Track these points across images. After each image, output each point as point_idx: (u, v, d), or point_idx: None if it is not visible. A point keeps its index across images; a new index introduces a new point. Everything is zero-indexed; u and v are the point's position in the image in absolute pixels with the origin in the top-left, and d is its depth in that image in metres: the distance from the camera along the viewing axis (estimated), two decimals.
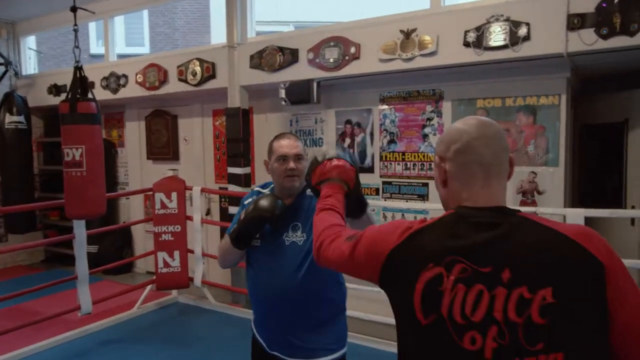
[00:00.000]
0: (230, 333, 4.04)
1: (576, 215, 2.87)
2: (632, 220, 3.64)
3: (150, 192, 4.54)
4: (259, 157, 4.67)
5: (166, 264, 4.45)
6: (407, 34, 3.56)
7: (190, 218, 4.51)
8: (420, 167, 4.02)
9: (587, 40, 2.96)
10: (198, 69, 4.66)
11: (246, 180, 4.51)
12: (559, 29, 3.02)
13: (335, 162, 1.45)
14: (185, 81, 4.75)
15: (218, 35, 7.11)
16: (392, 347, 2.87)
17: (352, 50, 3.81)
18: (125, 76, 5.26)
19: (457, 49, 3.38)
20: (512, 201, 3.64)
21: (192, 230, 4.53)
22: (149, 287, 4.61)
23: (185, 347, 3.81)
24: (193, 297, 4.80)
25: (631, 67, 3.80)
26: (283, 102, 4.21)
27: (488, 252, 0.92)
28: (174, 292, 4.85)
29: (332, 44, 3.91)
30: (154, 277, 4.54)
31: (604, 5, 2.90)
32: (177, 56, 4.90)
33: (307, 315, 1.72)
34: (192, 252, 4.52)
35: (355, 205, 1.51)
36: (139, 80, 5.10)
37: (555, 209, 3.23)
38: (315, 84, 4.06)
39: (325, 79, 4.03)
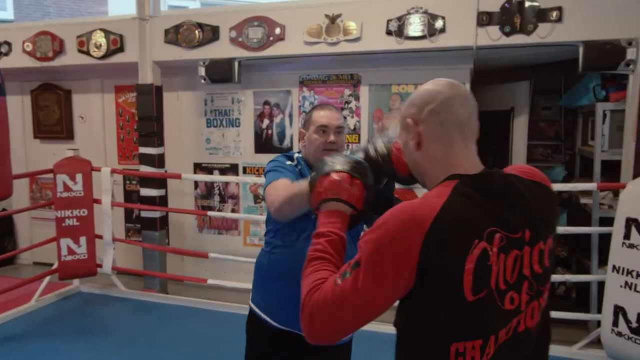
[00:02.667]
0: (146, 320, 3.89)
1: None
2: None
3: (49, 175, 4.14)
4: (170, 138, 4.50)
5: (71, 251, 4.11)
6: (332, 19, 3.72)
7: (97, 201, 4.20)
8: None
9: (493, 36, 3.38)
10: (103, 40, 4.32)
11: (160, 161, 4.33)
12: (470, 24, 3.41)
13: (332, 176, 1.18)
14: (88, 53, 4.38)
15: (118, 6, 6.57)
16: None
17: (277, 31, 3.86)
18: (7, 43, 4.66)
19: (380, 37, 3.62)
20: None
21: (99, 214, 4.23)
22: (48, 278, 4.22)
23: (97, 337, 3.58)
24: (98, 285, 4.49)
25: (516, 63, 4.40)
26: (203, 81, 4.11)
27: (512, 218, 0.94)
28: (76, 282, 4.49)
29: (256, 23, 3.91)
30: (55, 267, 4.17)
31: (507, 6, 3.34)
32: (76, 25, 4.49)
33: None
34: (100, 237, 4.23)
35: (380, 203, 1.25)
36: (28, 49, 4.56)
37: None
38: (236, 63, 4.04)
39: (248, 58, 4.02)
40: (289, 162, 1.74)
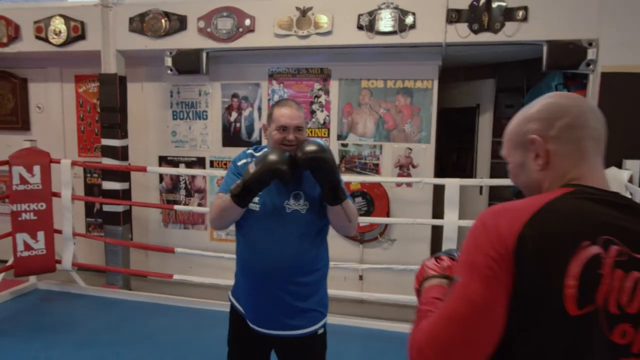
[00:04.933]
0: (108, 317, 3.76)
1: (453, 185, 3.36)
2: (481, 189, 4.36)
3: (3, 167, 3.94)
4: (134, 130, 4.36)
5: (28, 247, 3.93)
6: (304, 12, 3.69)
7: (57, 194, 4.03)
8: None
9: (462, 33, 3.44)
10: (63, 27, 4.14)
11: (123, 153, 4.19)
12: (440, 21, 3.45)
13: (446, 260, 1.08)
14: (46, 40, 4.18)
15: None
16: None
17: (247, 22, 3.80)
18: None
19: (351, 31, 3.62)
20: (390, 174, 4.07)
21: (58, 208, 4.06)
22: (2, 275, 4.02)
23: (56, 335, 3.42)
24: (57, 282, 4.32)
25: (481, 61, 4.50)
26: (169, 71, 4.00)
27: (636, 235, 0.80)
28: (32, 279, 4.31)
29: (225, 14, 3.84)
30: (10, 263, 3.98)
31: (475, 4, 3.40)
32: (33, 10, 4.27)
33: (297, 284, 1.72)
34: (59, 232, 4.06)
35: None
36: None
37: (437, 179, 3.71)
38: (204, 54, 3.95)
39: (216, 49, 3.94)
40: (242, 161, 1.82)
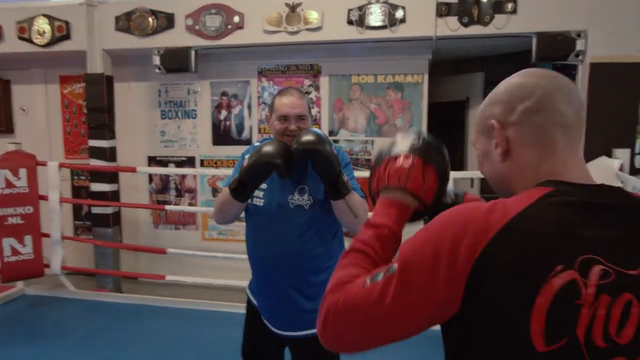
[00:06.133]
0: (99, 321, 3.69)
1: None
2: (472, 182, 4.37)
3: None
4: (121, 130, 4.30)
5: (15, 252, 3.83)
6: (293, 8, 3.67)
7: (44, 197, 3.95)
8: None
9: (452, 26, 3.45)
10: (47, 27, 4.06)
11: (112, 154, 4.13)
12: (430, 14, 3.46)
13: (401, 160, 0.94)
14: (29, 41, 4.10)
15: None
16: None
17: (236, 19, 3.76)
18: None
19: (341, 26, 3.61)
20: None
21: (46, 211, 3.97)
22: None
23: (47, 341, 3.33)
24: (45, 287, 4.23)
25: (470, 54, 4.52)
26: (157, 70, 3.95)
27: (630, 248, 0.69)
28: (20, 284, 4.21)
29: (213, 11, 3.80)
30: None
31: None
32: (16, 10, 4.17)
33: (306, 283, 1.66)
34: (47, 235, 3.98)
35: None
36: None
37: None
38: (193, 53, 3.90)
39: (205, 47, 3.90)
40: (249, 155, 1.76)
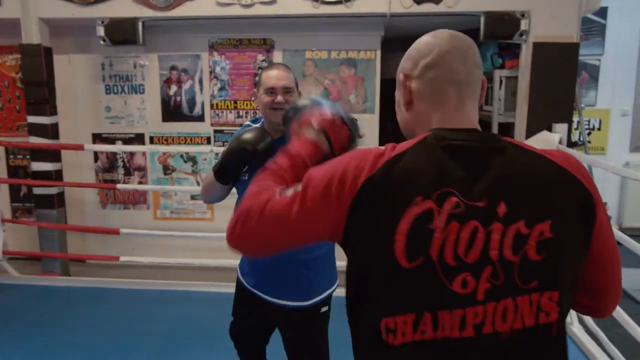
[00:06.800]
0: (49, 306, 3.54)
1: None
2: None
3: None
4: (62, 106, 4.05)
5: None
6: None
7: None
8: (253, 114, 4.15)
9: (405, 4, 3.51)
10: None
11: (54, 132, 3.90)
12: None
13: (327, 112, 1.15)
14: None
15: None
16: None
17: None
18: None
19: (296, 1, 3.57)
20: None
21: None
22: None
23: None
24: None
25: (419, 32, 4.61)
26: (102, 42, 3.74)
27: (481, 183, 0.80)
28: None
29: None
30: None
31: None
32: None
33: (298, 256, 1.66)
34: None
35: None
36: None
37: None
38: (140, 24, 3.73)
39: (153, 19, 3.73)
40: (255, 126, 1.77)
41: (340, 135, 1.14)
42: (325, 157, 1.09)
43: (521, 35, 3.48)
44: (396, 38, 4.79)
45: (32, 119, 3.83)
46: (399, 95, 0.95)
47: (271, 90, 1.66)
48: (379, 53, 4.01)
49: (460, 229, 0.78)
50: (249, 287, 1.79)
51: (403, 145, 0.85)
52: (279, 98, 1.65)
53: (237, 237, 0.90)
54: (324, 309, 1.77)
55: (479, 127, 0.89)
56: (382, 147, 0.87)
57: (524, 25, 3.46)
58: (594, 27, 5.04)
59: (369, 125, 4.08)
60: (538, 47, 3.46)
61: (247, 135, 1.56)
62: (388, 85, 4.95)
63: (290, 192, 0.88)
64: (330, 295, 1.78)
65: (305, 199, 0.85)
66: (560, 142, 3.28)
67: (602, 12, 4.89)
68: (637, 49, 5.07)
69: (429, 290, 0.79)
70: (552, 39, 3.43)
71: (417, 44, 0.93)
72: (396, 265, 0.78)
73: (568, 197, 0.83)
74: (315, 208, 0.84)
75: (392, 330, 0.80)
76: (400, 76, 0.94)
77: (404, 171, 0.80)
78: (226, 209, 3.87)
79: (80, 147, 3.83)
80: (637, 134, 5.20)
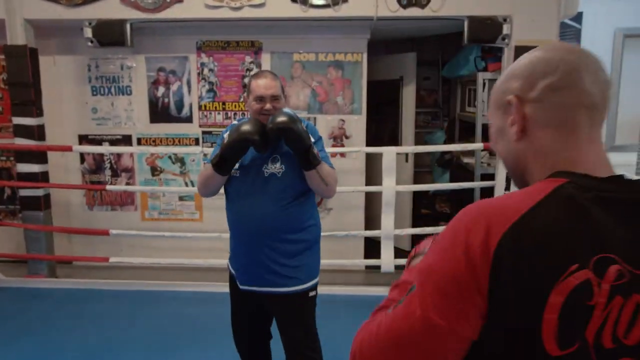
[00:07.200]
0: (38, 307, 3.52)
1: (390, 152, 3.57)
2: (407, 157, 4.64)
3: None
4: (47, 107, 4.00)
5: None
6: None
7: None
8: (241, 115, 4.18)
9: (392, 7, 3.59)
10: None
11: (40, 133, 3.87)
12: None
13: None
14: None
15: None
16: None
17: None
18: None
19: (285, 4, 3.62)
20: (325, 145, 4.18)
21: None
22: None
23: None
24: None
25: (403, 35, 4.73)
26: (90, 43, 3.73)
27: None
28: None
29: None
30: None
31: None
32: None
33: (282, 247, 1.82)
34: None
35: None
36: None
37: (374, 148, 3.87)
38: (128, 26, 3.73)
39: (142, 21, 3.74)
40: (228, 133, 1.92)
41: None
42: None
43: (503, 39, 3.60)
44: (382, 41, 4.90)
45: (17, 120, 3.79)
46: (501, 121, 0.78)
47: (260, 98, 1.82)
48: (365, 55, 4.09)
49: (624, 304, 0.63)
50: (239, 283, 1.91)
51: (529, 197, 0.67)
52: (268, 105, 1.83)
53: None
54: (312, 293, 1.92)
55: (611, 167, 0.72)
56: (496, 199, 0.70)
57: (506, 29, 3.58)
58: (569, 31, 5.21)
59: (356, 126, 4.16)
60: (519, 50, 3.58)
61: (246, 127, 1.74)
62: (374, 87, 5.07)
63: (402, 300, 0.70)
64: (315, 281, 1.94)
65: (426, 291, 0.67)
66: None
67: (578, 17, 5.07)
68: (611, 53, 5.26)
69: None
70: (532, 42, 3.53)
71: (530, 59, 0.75)
72: (542, 352, 0.62)
73: None
74: (443, 297, 0.65)
75: None
76: (510, 99, 0.75)
77: (545, 233, 0.63)
78: (214, 210, 3.92)
79: (68, 149, 3.82)
80: (611, 135, 5.41)
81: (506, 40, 3.60)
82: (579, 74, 0.71)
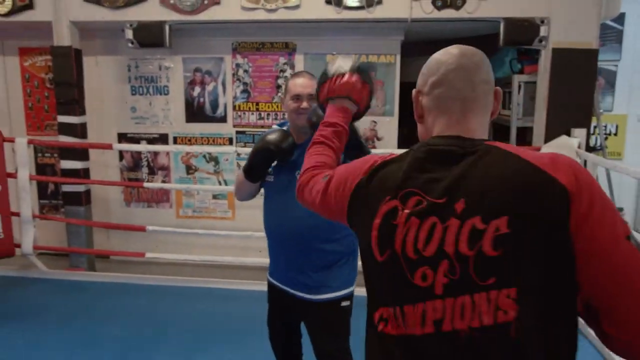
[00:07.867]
0: (78, 300, 3.66)
1: None
2: None
3: None
4: (89, 106, 4.17)
5: None
6: None
7: (12, 175, 3.81)
8: (274, 117, 4.24)
9: (426, 9, 3.58)
10: None
11: (82, 131, 4.02)
12: None
13: (346, 77, 1.31)
14: None
15: None
16: None
17: None
18: None
19: (319, 6, 3.66)
20: None
21: (15, 189, 3.85)
22: None
23: (26, 320, 3.29)
24: (14, 267, 4.12)
25: (439, 37, 4.69)
26: (130, 44, 3.86)
27: (447, 183, 0.84)
28: None
29: None
30: None
31: None
32: None
33: (314, 255, 1.79)
34: (17, 215, 3.86)
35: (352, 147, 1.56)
36: None
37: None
38: (167, 27, 3.84)
39: (180, 22, 3.84)
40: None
41: (362, 95, 1.33)
42: (357, 114, 1.36)
43: (540, 41, 3.54)
44: (416, 42, 4.87)
45: (62, 118, 3.96)
46: (414, 110, 1.03)
47: (297, 97, 1.82)
48: (398, 57, 4.09)
49: (421, 224, 0.85)
50: (274, 281, 1.93)
51: (397, 153, 0.98)
52: (304, 104, 1.80)
53: (300, 199, 1.23)
54: (345, 303, 1.86)
55: (476, 136, 0.92)
56: (379, 156, 1.01)
57: (543, 31, 3.51)
58: (611, 32, 5.06)
59: (388, 128, 4.16)
60: (557, 53, 3.52)
61: (271, 137, 1.77)
62: (407, 89, 5.05)
63: (325, 180, 1.11)
64: (350, 291, 1.87)
65: (329, 188, 1.09)
66: (579, 147, 3.34)
67: (620, 18, 4.92)
68: None
69: (397, 282, 0.87)
70: (571, 45, 3.49)
71: (429, 61, 0.99)
72: (374, 258, 0.91)
73: (533, 193, 0.78)
74: (331, 197, 1.08)
75: (384, 320, 0.90)
76: (413, 93, 1.02)
77: (384, 175, 0.94)
78: (246, 208, 3.94)
79: (109, 147, 3.95)
80: None
81: (543, 43, 3.54)
82: (453, 74, 0.93)
